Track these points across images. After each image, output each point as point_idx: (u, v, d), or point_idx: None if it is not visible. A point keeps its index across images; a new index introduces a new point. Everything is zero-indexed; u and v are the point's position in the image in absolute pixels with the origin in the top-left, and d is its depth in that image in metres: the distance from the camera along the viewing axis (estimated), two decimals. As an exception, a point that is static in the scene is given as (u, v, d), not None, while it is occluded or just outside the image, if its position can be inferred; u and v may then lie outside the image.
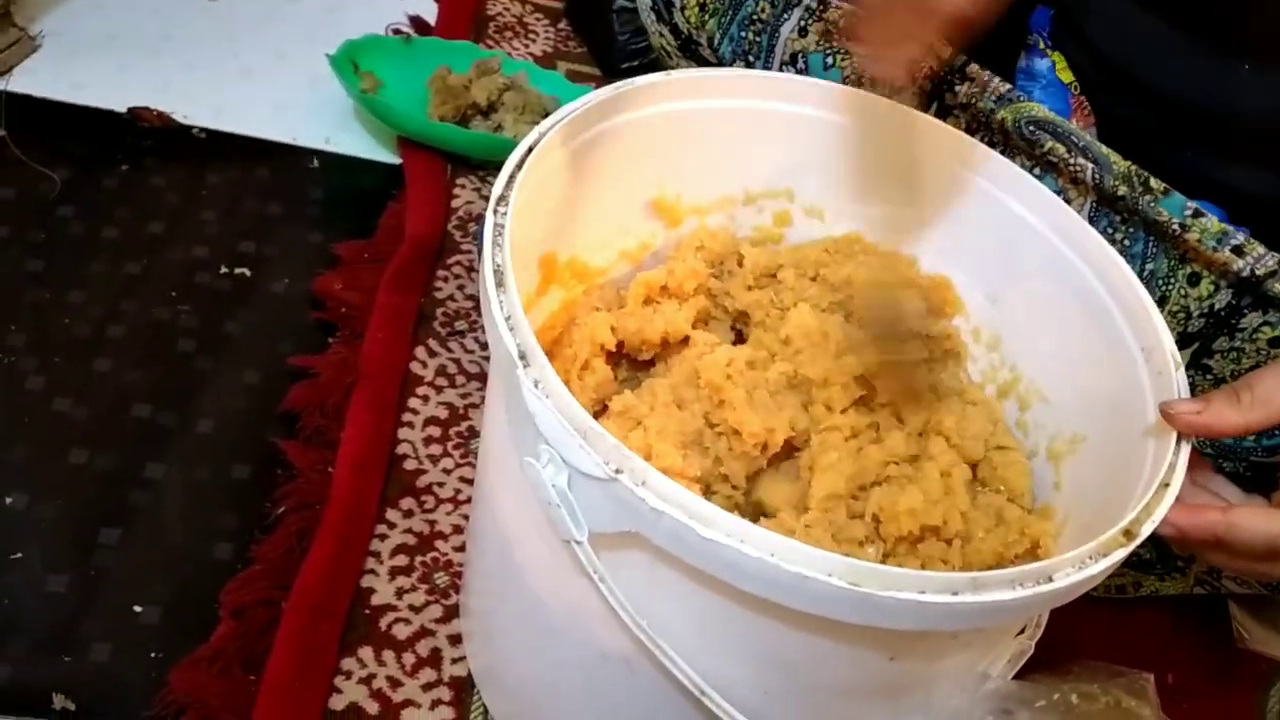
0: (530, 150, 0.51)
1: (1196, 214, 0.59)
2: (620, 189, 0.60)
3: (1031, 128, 0.63)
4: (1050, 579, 0.41)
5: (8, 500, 0.64)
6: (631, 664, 0.48)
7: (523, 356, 0.43)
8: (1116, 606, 0.73)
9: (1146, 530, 0.44)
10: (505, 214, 0.48)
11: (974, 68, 0.66)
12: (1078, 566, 0.42)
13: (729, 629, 0.44)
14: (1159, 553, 0.70)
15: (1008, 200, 0.59)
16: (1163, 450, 0.47)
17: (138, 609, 0.61)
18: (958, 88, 0.66)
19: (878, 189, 0.63)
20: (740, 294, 0.62)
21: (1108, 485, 0.52)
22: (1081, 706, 0.53)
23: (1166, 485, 0.46)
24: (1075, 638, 0.55)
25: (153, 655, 0.60)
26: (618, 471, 0.40)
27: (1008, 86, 0.65)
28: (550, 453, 0.42)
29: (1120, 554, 0.43)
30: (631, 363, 0.61)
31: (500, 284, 0.45)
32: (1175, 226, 0.59)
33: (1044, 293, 0.58)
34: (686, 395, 0.55)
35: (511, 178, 0.49)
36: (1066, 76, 0.75)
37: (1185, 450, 0.47)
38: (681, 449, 0.53)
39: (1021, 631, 0.55)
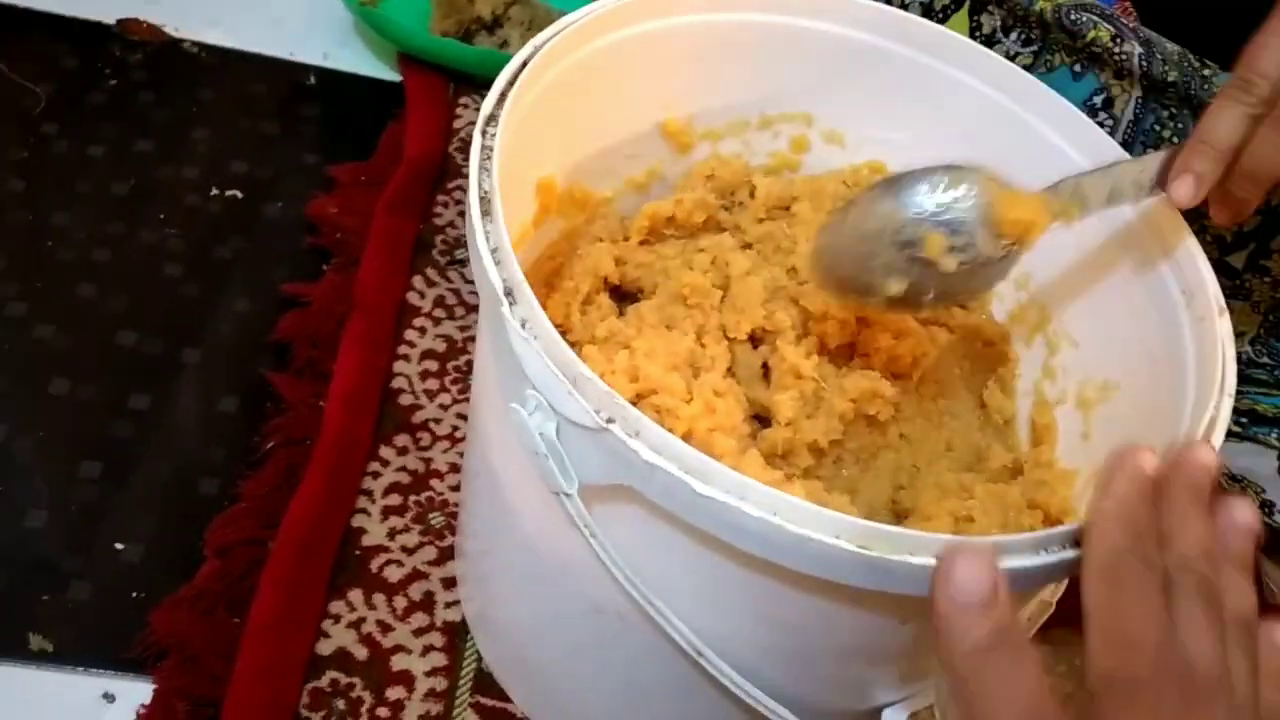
0: (525, 65, 0.47)
1: None
2: (626, 110, 0.56)
3: (1073, 13, 0.58)
4: (1079, 544, 0.38)
5: (-15, 431, 0.62)
6: (625, 619, 0.45)
7: (509, 293, 0.39)
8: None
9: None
10: (495, 135, 0.44)
11: None
12: (1108, 529, 0.38)
13: (727, 587, 0.41)
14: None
15: (1041, 127, 0.55)
16: (1203, 403, 0.44)
17: (119, 546, 0.59)
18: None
19: (902, 113, 0.59)
20: (751, 227, 0.59)
21: (1141, 439, 0.48)
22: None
23: (1209, 439, 0.42)
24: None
25: (134, 595, 0.57)
26: (609, 421, 0.37)
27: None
28: (538, 399, 0.39)
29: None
30: (636, 300, 0.58)
31: (486, 212, 0.41)
32: None
33: (1077, 227, 0.54)
34: (676, 314, 0.52)
35: (503, 95, 0.46)
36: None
37: (1228, 404, 0.44)
38: (671, 370, 0.50)
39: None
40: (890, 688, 0.48)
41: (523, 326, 0.39)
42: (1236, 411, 0.65)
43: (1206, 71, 0.55)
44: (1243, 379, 0.62)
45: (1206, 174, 0.45)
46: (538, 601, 0.51)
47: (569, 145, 0.54)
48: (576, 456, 0.39)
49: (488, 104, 0.45)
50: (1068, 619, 0.49)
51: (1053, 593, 0.51)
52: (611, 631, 0.47)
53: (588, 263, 0.55)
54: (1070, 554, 0.37)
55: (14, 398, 0.63)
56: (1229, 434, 0.65)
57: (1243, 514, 0.35)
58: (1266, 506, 0.65)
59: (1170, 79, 0.55)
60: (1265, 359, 0.57)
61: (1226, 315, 0.46)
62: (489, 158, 0.43)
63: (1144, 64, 0.56)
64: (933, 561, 0.36)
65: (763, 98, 0.60)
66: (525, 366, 0.38)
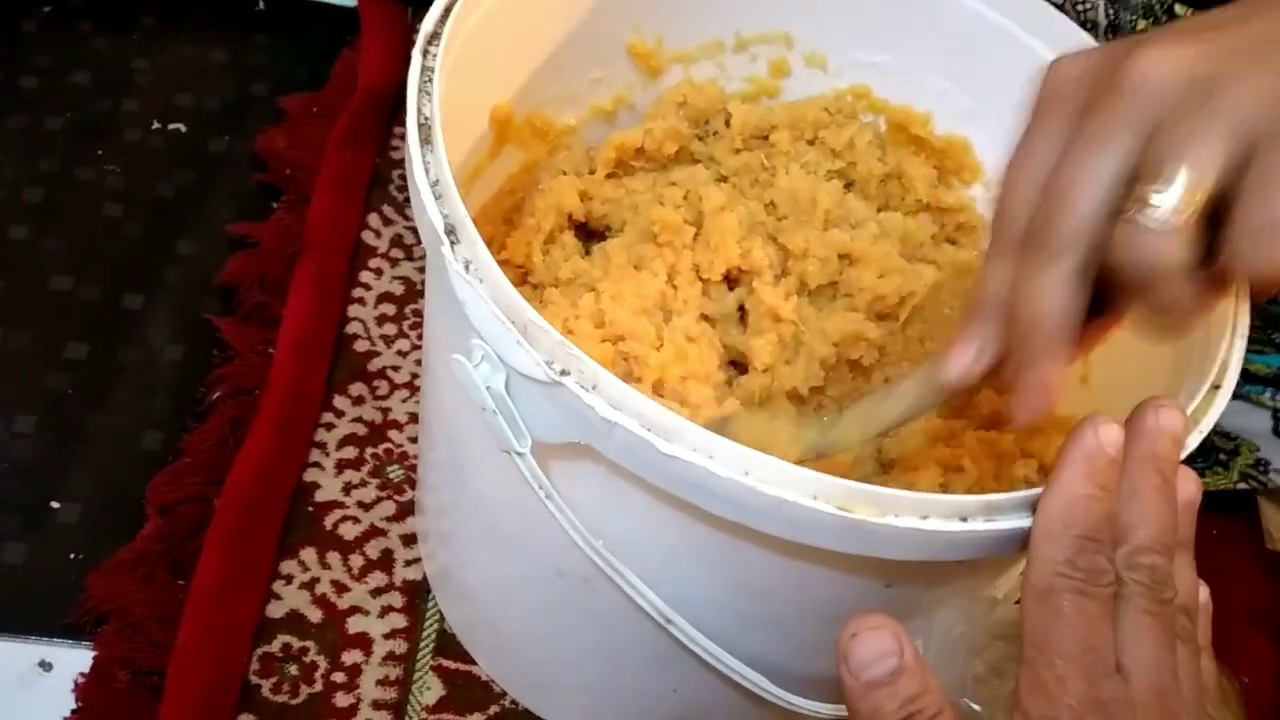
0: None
1: None
2: (589, 29, 0.52)
3: None
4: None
5: (-91, 384, 0.58)
6: (590, 584, 0.42)
7: (450, 231, 0.35)
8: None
9: (1194, 441, 0.37)
10: (437, 55, 0.40)
11: None
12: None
13: (697, 552, 0.38)
14: (1200, 446, 0.64)
15: (1039, 48, 0.51)
16: (1214, 347, 0.40)
17: (55, 505, 0.56)
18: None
19: (887, 33, 0.55)
20: (726, 158, 0.54)
21: (1143, 385, 0.45)
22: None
23: (1217, 388, 0.39)
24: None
25: (72, 557, 0.54)
26: (563, 373, 0.33)
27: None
28: (484, 349, 0.35)
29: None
30: (603, 239, 0.54)
31: (426, 140, 0.37)
32: None
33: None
34: (646, 253, 0.48)
35: (448, 10, 0.41)
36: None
37: (1240, 347, 0.40)
38: (640, 315, 0.46)
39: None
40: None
41: (466, 269, 0.35)
42: None
43: (1178, 15, 0.51)
44: None
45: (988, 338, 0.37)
46: (500, 562, 0.48)
47: (526, 68, 0.50)
48: (528, 412, 0.35)
49: (429, 20, 0.41)
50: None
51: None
52: (577, 596, 0.43)
53: (550, 198, 0.51)
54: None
55: (-60, 348, 0.59)
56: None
57: (1190, 489, 0.34)
58: (1261, 465, 0.63)
59: (1140, 30, 0.51)
60: (1256, 320, 0.54)
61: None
62: (429, 80, 0.39)
63: (1110, 15, 0.52)
64: (918, 523, 0.33)
65: (738, 16, 0.56)
66: (469, 313, 0.35)
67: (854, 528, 0.33)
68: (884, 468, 0.49)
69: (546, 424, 0.35)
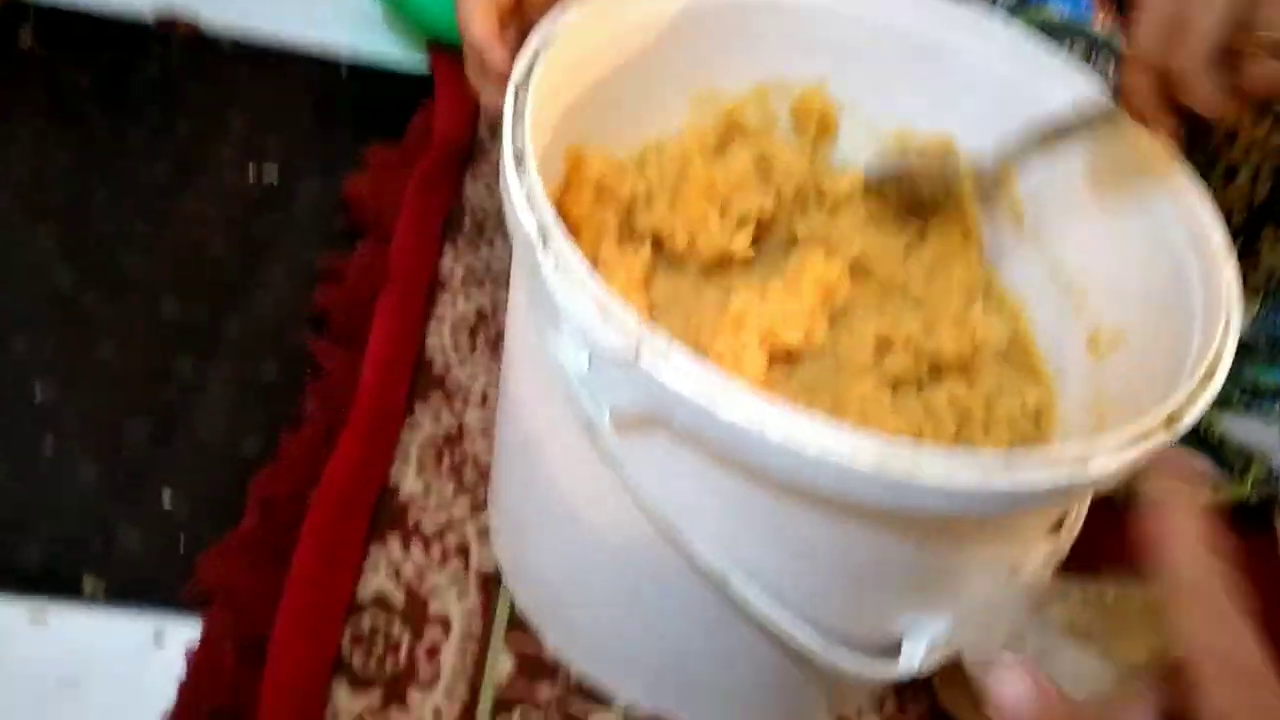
0: (555, 26, 0.50)
1: None
2: (656, 79, 0.59)
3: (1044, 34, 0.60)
4: (1086, 463, 0.40)
5: (37, 391, 0.64)
6: (655, 552, 0.47)
7: (543, 234, 0.42)
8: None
9: (1189, 418, 0.42)
10: (525, 98, 0.46)
11: None
12: (1115, 452, 0.40)
13: (752, 515, 0.43)
14: (1214, 461, 0.68)
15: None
16: (1209, 340, 0.45)
17: (166, 499, 0.62)
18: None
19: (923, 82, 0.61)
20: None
21: (1150, 386, 0.50)
22: (1117, 604, 0.52)
23: (1211, 376, 0.44)
24: (1113, 550, 0.53)
25: (181, 544, 0.60)
26: (638, 350, 0.39)
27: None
28: (570, 331, 0.41)
29: (1161, 438, 0.41)
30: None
31: (520, 164, 0.44)
32: None
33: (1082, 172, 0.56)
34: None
35: (537, 54, 0.48)
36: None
37: (1233, 338, 0.45)
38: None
39: (1057, 530, 0.54)
40: (910, 621, 0.49)
41: (556, 265, 0.41)
42: (1239, 388, 0.67)
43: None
44: (1244, 353, 0.64)
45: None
46: (568, 544, 0.54)
47: (599, 114, 0.56)
48: (606, 387, 0.41)
49: (520, 66, 0.48)
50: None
51: (1066, 535, 0.53)
52: (641, 566, 0.49)
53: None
54: (1081, 472, 0.39)
55: (63, 362, 0.66)
56: (1234, 406, 0.67)
57: None
58: (1274, 477, 0.67)
59: None
60: (1262, 337, 0.59)
61: (1233, 262, 0.48)
62: (521, 115, 0.45)
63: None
64: (948, 480, 0.38)
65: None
66: (558, 301, 0.41)
67: (891, 485, 0.38)
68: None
69: (622, 397, 0.41)
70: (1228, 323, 0.46)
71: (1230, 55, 0.45)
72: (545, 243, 0.41)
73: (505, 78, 0.47)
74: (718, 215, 0.60)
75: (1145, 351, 0.53)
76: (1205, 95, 0.46)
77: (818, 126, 0.64)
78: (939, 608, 0.49)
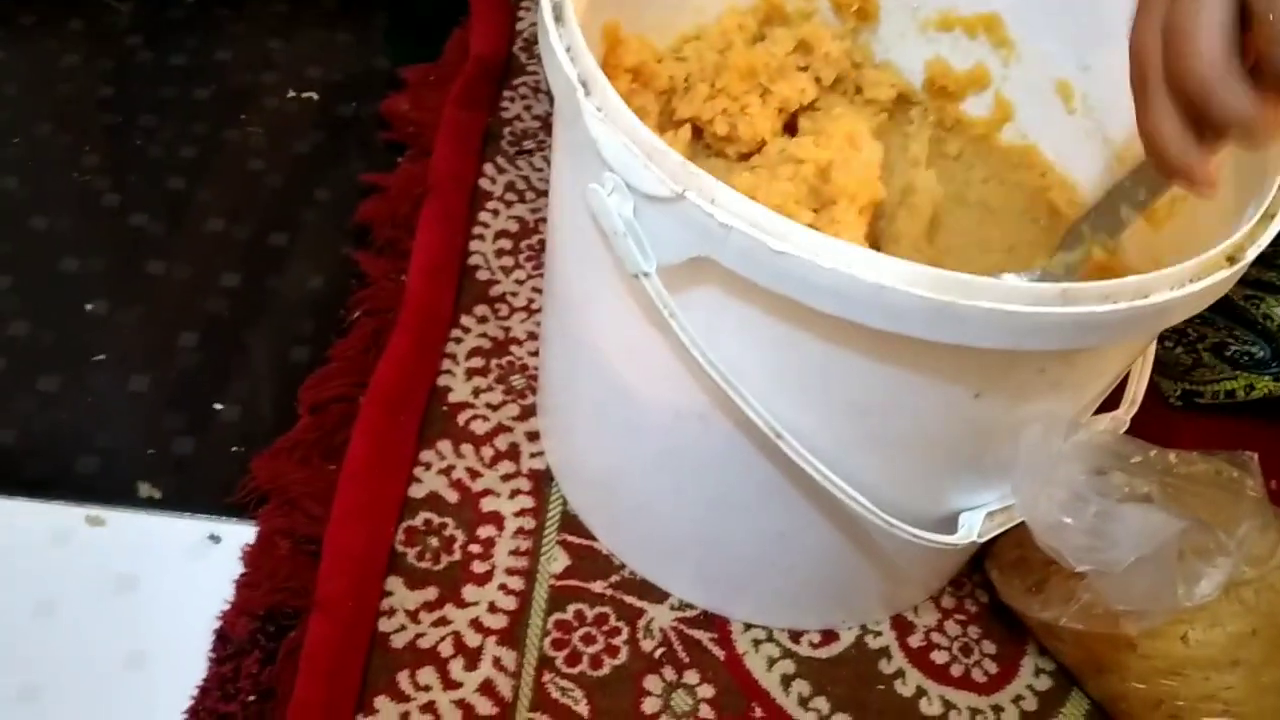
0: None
1: None
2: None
3: None
4: (1146, 295, 0.38)
5: (88, 307, 0.65)
6: (705, 418, 0.47)
7: (584, 83, 0.41)
8: (1225, 417, 0.70)
9: (1250, 254, 0.41)
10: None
11: None
12: (1175, 286, 0.39)
13: (802, 366, 0.42)
14: (1273, 349, 0.66)
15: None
16: (1268, 186, 0.44)
17: (218, 406, 0.62)
18: None
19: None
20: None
21: (1209, 230, 0.49)
22: (1180, 468, 0.50)
23: (1272, 216, 0.43)
24: (1176, 447, 0.52)
25: (233, 449, 0.60)
26: (685, 190, 0.38)
27: None
28: (615, 180, 0.40)
29: (1222, 275, 0.40)
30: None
31: (559, 18, 0.43)
32: None
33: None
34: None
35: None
36: None
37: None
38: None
39: (1115, 407, 0.53)
40: (967, 490, 0.49)
41: (599, 112, 0.40)
42: None
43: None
44: None
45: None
46: (617, 432, 0.53)
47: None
48: (654, 232, 0.40)
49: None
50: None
51: (1126, 410, 0.52)
52: (691, 436, 0.48)
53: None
54: (1139, 303, 0.38)
55: (114, 277, 0.67)
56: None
57: None
58: None
59: None
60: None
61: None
62: (560, -28, 0.45)
63: None
64: (1005, 306, 0.37)
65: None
66: (602, 149, 0.40)
67: (944, 311, 0.37)
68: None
69: (671, 241, 0.40)
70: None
71: (1247, 54, 0.38)
72: (587, 92, 0.41)
73: None
74: (759, 101, 0.59)
75: (1203, 214, 0.52)
76: (1236, 104, 0.38)
77: (858, 11, 0.63)
78: (997, 472, 0.47)
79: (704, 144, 0.60)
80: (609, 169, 0.40)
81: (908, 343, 0.38)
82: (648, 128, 0.39)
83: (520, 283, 0.70)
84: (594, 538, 0.59)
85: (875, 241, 0.57)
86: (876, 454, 0.46)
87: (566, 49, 0.42)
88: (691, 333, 0.43)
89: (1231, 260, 0.41)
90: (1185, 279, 0.39)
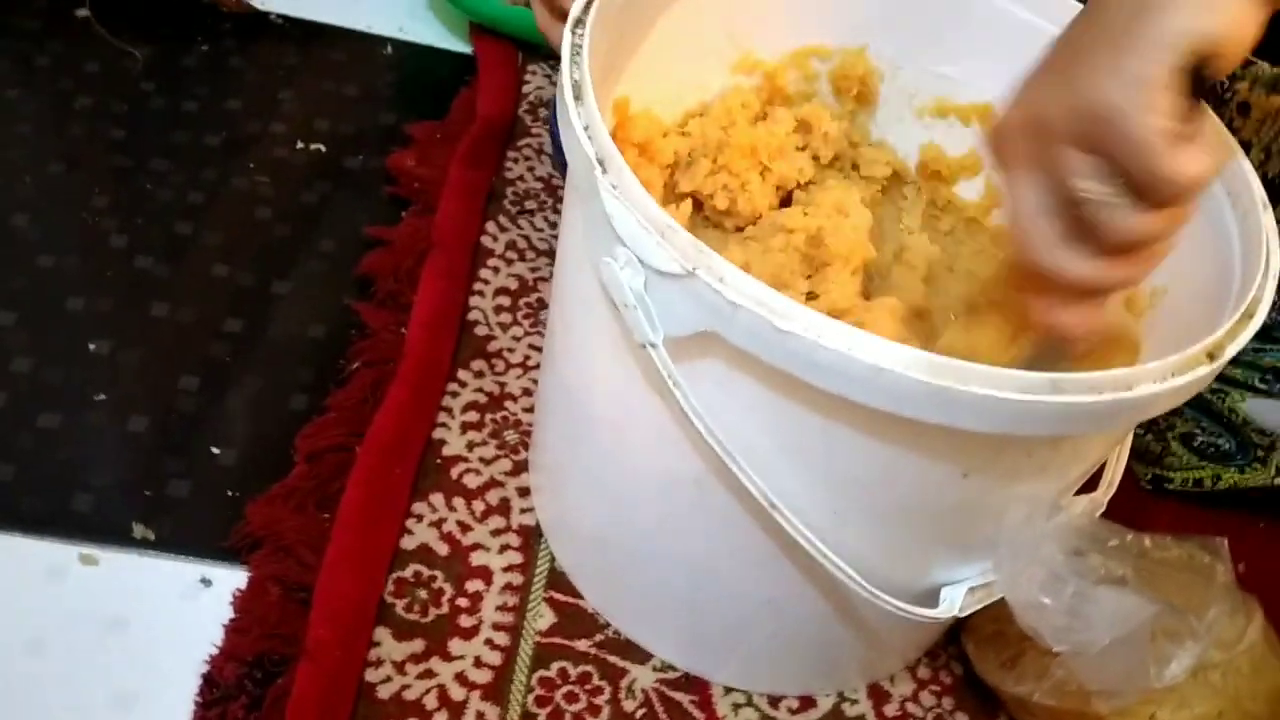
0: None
1: (1246, 62, 0.57)
2: (694, 37, 0.60)
3: None
4: (1130, 388, 0.40)
5: (91, 346, 0.66)
6: (702, 484, 0.48)
7: (601, 161, 0.43)
8: (1191, 504, 0.72)
9: (1230, 352, 0.43)
10: (583, 34, 0.48)
11: None
12: (1158, 380, 0.41)
13: (800, 439, 0.44)
14: (1238, 443, 0.69)
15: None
16: (1248, 282, 0.46)
17: (215, 451, 0.63)
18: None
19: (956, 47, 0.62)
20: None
21: (1190, 334, 0.51)
22: (1154, 553, 0.52)
23: (1250, 316, 0.45)
24: (1148, 528, 0.54)
25: (230, 493, 0.61)
26: (695, 268, 0.40)
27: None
28: (627, 254, 0.42)
29: (1202, 371, 0.42)
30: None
31: (578, 96, 0.45)
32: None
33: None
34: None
35: (589, 3, 0.49)
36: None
37: (1272, 283, 0.46)
38: None
39: (1094, 488, 0.55)
40: (950, 564, 0.50)
41: (614, 189, 0.42)
42: (1261, 371, 0.68)
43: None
44: (1266, 337, 0.65)
45: None
46: (611, 493, 0.54)
47: (642, 69, 0.58)
48: (663, 306, 0.42)
49: (575, 10, 0.49)
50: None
51: (1104, 491, 0.53)
52: (686, 501, 0.50)
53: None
54: (1125, 396, 0.40)
55: (118, 317, 0.67)
56: (1257, 392, 0.67)
57: None
58: None
59: None
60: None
61: (1270, 210, 0.49)
62: (579, 53, 0.47)
63: None
64: (997, 393, 0.38)
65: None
66: (616, 225, 0.42)
67: (940, 395, 0.39)
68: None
69: (679, 316, 0.42)
70: (1267, 264, 0.46)
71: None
72: (604, 169, 0.43)
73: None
74: (759, 179, 0.61)
75: (1184, 306, 0.54)
76: (1072, 269, 0.44)
77: (857, 95, 0.65)
78: (980, 549, 0.49)
79: (703, 215, 0.62)
80: (622, 244, 0.42)
81: (904, 422, 0.40)
82: (656, 203, 0.41)
83: (517, 339, 0.71)
84: (580, 595, 0.60)
85: (871, 298, 0.59)
86: (866, 527, 0.47)
87: (585, 127, 0.44)
88: (694, 402, 0.44)
89: (1211, 357, 0.43)
90: (1168, 373, 0.41)
